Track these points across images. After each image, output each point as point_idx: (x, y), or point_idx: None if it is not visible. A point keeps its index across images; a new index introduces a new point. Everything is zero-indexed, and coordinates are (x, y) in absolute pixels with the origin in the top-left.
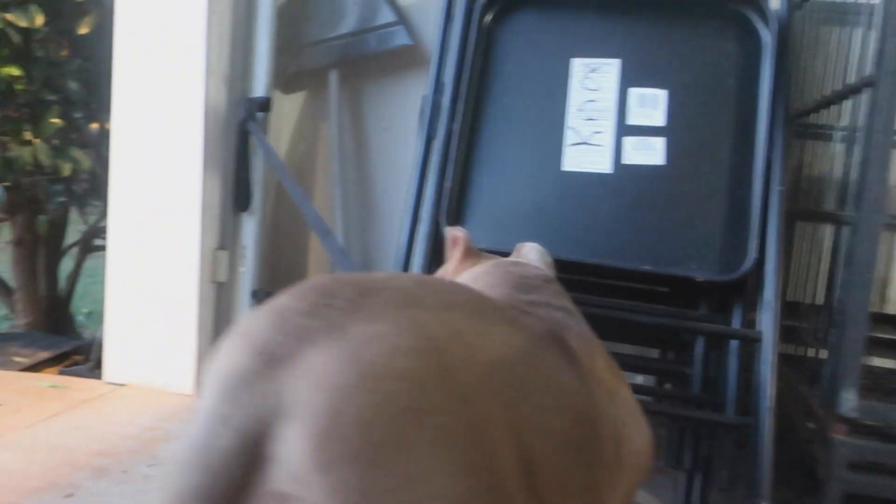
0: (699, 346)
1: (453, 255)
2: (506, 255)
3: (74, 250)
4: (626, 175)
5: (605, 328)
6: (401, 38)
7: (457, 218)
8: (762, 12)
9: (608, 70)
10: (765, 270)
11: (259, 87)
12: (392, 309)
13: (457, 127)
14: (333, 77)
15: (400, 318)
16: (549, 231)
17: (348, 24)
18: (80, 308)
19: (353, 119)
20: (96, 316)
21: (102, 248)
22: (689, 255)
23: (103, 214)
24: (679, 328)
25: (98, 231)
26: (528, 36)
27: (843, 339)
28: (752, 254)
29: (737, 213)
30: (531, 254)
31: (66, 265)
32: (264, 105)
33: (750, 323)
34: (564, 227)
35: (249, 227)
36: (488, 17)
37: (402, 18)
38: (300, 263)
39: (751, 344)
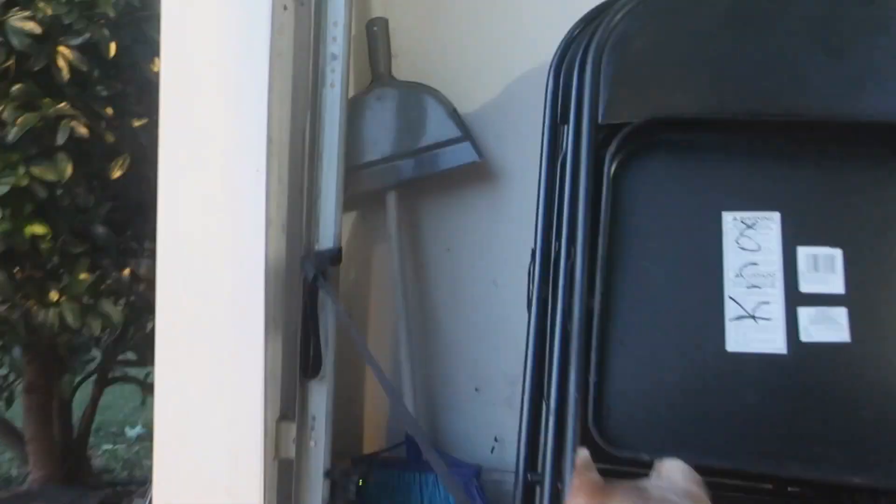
0: None
1: (572, 487)
2: (649, 465)
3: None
4: (807, 355)
5: None
6: (467, 155)
7: (594, 418)
8: None
9: (768, 225)
10: None
11: (327, 237)
12: None
13: (597, 305)
14: (391, 198)
15: None
16: (711, 431)
17: (409, 141)
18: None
19: (412, 240)
20: (115, 455)
21: (120, 379)
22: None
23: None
24: None
25: (112, 357)
26: (665, 186)
27: None
28: None
29: None
30: (674, 475)
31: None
32: (336, 258)
33: None
34: (732, 425)
35: (319, 396)
36: (614, 163)
37: (467, 133)
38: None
39: None
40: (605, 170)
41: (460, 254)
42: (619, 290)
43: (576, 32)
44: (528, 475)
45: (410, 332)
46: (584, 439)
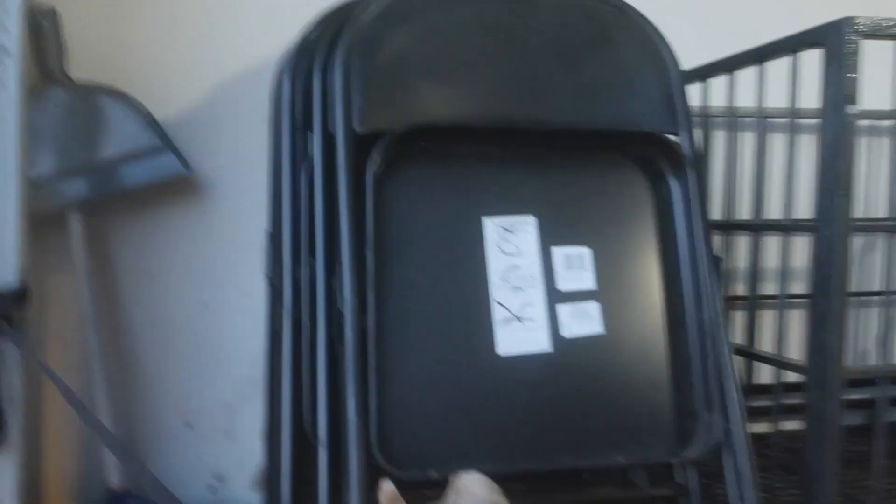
0: None
1: None
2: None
3: None
4: (569, 350)
5: None
6: (170, 168)
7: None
8: (672, 155)
9: (526, 229)
10: (734, 440)
11: (5, 273)
12: None
13: (372, 324)
14: (75, 221)
15: None
16: (491, 436)
17: (91, 153)
18: None
19: (105, 267)
20: None
21: None
22: (657, 437)
23: None
24: None
25: None
26: (427, 194)
27: None
28: (719, 423)
29: (690, 377)
30: (473, 487)
31: None
32: (19, 297)
33: None
34: (509, 428)
35: (6, 471)
36: (373, 173)
37: (169, 142)
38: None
39: None
40: (367, 180)
41: (164, 278)
42: (390, 304)
43: (313, 35)
44: None
45: (106, 369)
46: (368, 467)
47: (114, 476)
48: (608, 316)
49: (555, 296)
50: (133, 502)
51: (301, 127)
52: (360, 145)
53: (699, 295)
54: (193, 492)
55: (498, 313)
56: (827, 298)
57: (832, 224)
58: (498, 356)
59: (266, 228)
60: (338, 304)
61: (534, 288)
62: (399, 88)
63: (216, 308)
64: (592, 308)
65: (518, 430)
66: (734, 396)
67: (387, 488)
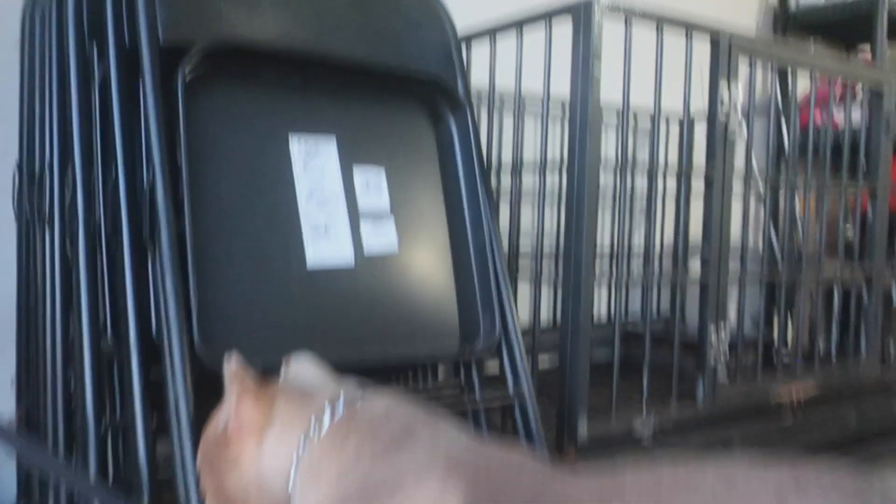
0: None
1: (230, 395)
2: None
3: None
4: (368, 264)
5: None
6: None
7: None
8: (451, 99)
9: (328, 149)
10: (510, 334)
11: None
12: None
13: (188, 228)
14: None
15: None
16: (302, 338)
17: None
18: None
19: None
20: None
21: None
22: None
23: None
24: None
25: None
26: (236, 110)
27: None
28: (497, 325)
29: (473, 288)
30: (304, 365)
31: None
32: None
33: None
34: (319, 331)
35: None
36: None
37: None
38: None
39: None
40: (178, 90)
41: None
42: (203, 216)
43: None
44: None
45: None
46: (192, 363)
47: None
48: (402, 235)
49: (356, 215)
50: None
51: (83, 45)
52: (168, 60)
53: (477, 218)
54: None
55: (307, 230)
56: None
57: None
58: (307, 270)
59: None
60: (150, 212)
61: (337, 205)
62: (204, 3)
63: None
64: (389, 228)
65: (329, 331)
66: (508, 304)
67: (235, 358)
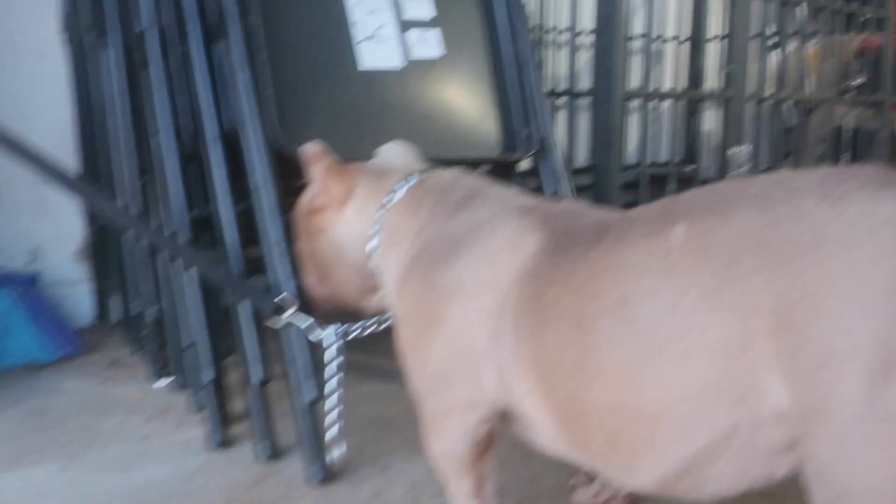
0: None
1: (316, 175)
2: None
3: None
4: (414, 68)
5: None
6: None
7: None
8: None
9: None
10: (549, 143)
11: None
12: None
13: (257, 21)
14: None
15: None
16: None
17: None
18: None
19: None
20: None
21: None
22: (491, 145)
23: None
24: None
25: None
26: None
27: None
28: (537, 130)
29: (512, 98)
30: (393, 152)
31: None
32: None
33: None
34: (370, 126)
35: None
36: None
37: None
38: None
39: None
40: None
41: None
42: (267, 17)
43: None
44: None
45: None
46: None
47: None
48: (446, 43)
49: (403, 23)
50: None
51: None
52: None
53: (514, 33)
54: (9, 265)
55: (356, 33)
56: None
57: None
58: (357, 70)
59: None
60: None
61: (385, 13)
62: None
63: (12, 71)
64: (434, 35)
65: (380, 129)
66: (545, 115)
67: (314, 145)
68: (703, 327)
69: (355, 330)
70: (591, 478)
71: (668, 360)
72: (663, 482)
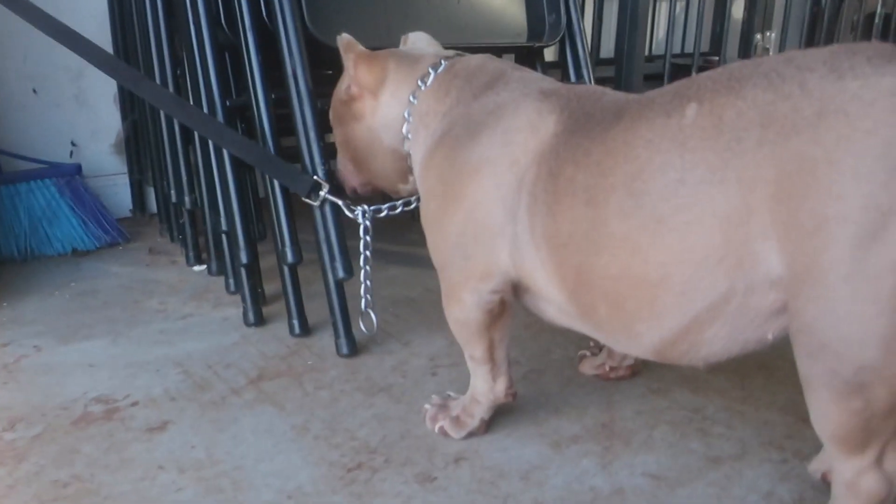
0: None
1: (349, 64)
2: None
3: None
4: None
5: None
6: None
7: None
8: None
9: None
10: (574, 30)
11: None
12: None
13: None
14: None
15: None
16: (388, 21)
17: None
18: None
19: None
20: None
21: None
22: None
23: None
24: None
25: None
26: None
27: None
28: (563, 16)
29: None
30: (420, 41)
31: None
32: None
33: None
34: (402, 16)
35: None
36: None
37: None
38: None
39: None
40: None
41: None
42: None
43: None
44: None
45: None
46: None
47: None
48: None
49: None
50: None
51: None
52: None
53: None
54: (54, 156)
55: None
56: None
57: None
58: None
59: None
60: None
61: None
62: None
63: None
64: None
65: (412, 18)
66: (571, 2)
67: (345, 36)
68: (708, 199)
69: (385, 209)
70: (596, 350)
71: (673, 230)
72: (661, 346)
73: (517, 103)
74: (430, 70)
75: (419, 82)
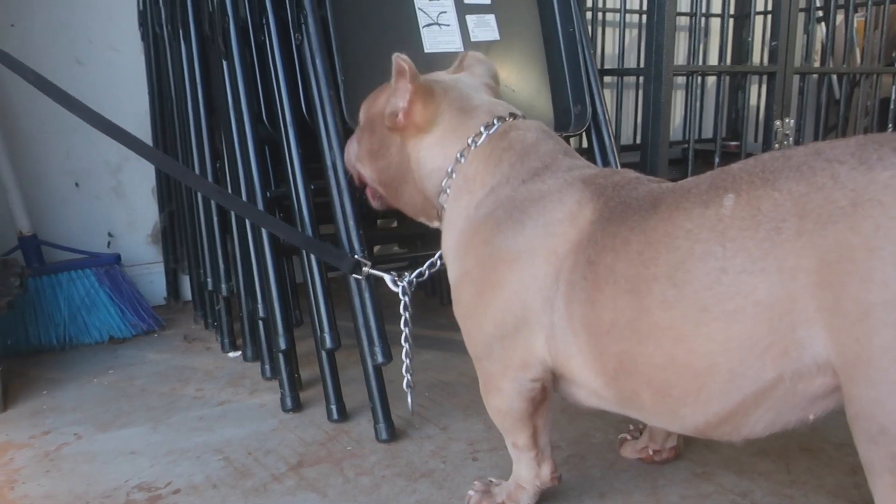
0: None
1: (402, 90)
2: None
3: None
4: (474, 49)
5: None
6: None
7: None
8: None
9: None
10: (599, 120)
11: None
12: None
13: (330, 14)
14: None
15: None
16: None
17: None
18: None
19: None
20: None
21: None
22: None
23: None
24: None
25: None
26: None
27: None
28: (589, 107)
29: (565, 78)
30: (477, 67)
31: None
32: None
33: None
34: None
35: None
36: None
37: None
38: None
39: None
40: None
41: (29, 30)
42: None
43: None
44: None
45: None
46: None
47: (21, 222)
48: (501, 27)
49: (462, 8)
50: (38, 244)
51: None
52: None
53: (566, 11)
54: (92, 247)
55: (421, 19)
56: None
57: None
58: (425, 53)
59: None
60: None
61: (446, 0)
62: None
63: (91, 66)
64: (491, 20)
65: None
66: (596, 93)
67: (404, 59)
68: (751, 288)
69: (417, 275)
70: (637, 433)
71: (718, 319)
72: (706, 427)
73: (561, 194)
74: (483, 130)
75: (469, 141)
